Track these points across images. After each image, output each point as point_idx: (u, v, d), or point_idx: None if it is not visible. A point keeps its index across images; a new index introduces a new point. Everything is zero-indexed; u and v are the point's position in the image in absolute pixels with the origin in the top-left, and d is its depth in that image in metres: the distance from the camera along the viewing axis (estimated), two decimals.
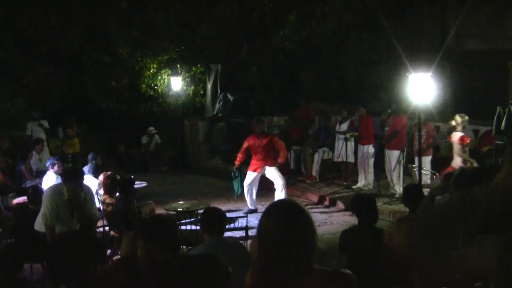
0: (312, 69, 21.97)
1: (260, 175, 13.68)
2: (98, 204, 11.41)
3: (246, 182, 13.81)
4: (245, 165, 14.21)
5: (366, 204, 6.88)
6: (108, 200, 10.77)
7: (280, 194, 13.51)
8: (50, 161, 11.96)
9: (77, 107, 21.70)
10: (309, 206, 14.27)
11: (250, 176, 13.73)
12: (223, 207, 12.93)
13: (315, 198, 15.23)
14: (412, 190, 7.49)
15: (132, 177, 11.59)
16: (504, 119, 13.37)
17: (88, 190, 8.33)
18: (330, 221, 13.00)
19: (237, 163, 14.06)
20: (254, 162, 13.62)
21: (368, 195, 7.93)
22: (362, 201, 6.98)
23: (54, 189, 8.17)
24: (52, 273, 4.44)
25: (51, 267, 4.49)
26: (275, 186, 13.66)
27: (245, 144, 13.71)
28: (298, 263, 2.80)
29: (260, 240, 2.86)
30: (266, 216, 2.95)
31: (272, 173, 13.57)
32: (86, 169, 12.50)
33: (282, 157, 13.61)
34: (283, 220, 2.85)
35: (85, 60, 21.70)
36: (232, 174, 14.59)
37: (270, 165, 13.48)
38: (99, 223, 10.34)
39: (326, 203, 14.82)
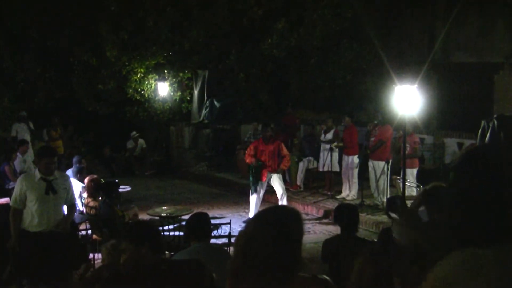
0: (300, 77, 22.00)
1: (266, 183, 13.43)
2: (81, 208, 11.40)
3: (252, 190, 13.48)
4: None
5: (348, 214, 6.90)
6: (91, 203, 10.73)
7: (281, 201, 13.37)
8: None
9: (64, 109, 21.61)
10: None
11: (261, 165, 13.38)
12: (207, 213, 12.90)
13: (299, 207, 15.21)
14: (395, 202, 7.51)
15: (117, 180, 11.55)
16: (488, 133, 13.44)
17: (65, 176, 8.40)
18: (313, 230, 13.01)
19: (251, 161, 13.37)
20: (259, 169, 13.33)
21: (351, 205, 7.94)
22: (344, 211, 7.00)
23: (25, 174, 8.44)
24: (20, 271, 4.47)
25: (20, 265, 4.53)
26: (277, 195, 13.57)
27: (252, 150, 13.39)
28: (282, 271, 2.76)
29: (244, 247, 2.83)
30: (254, 222, 2.91)
31: (276, 181, 13.42)
32: (70, 172, 12.45)
33: (286, 164, 13.56)
34: (275, 226, 2.80)
35: (73, 62, 21.65)
36: (251, 180, 13.63)
37: (274, 172, 13.29)
38: (82, 227, 10.32)
39: (310, 212, 14.83)
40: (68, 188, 8.11)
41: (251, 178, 13.49)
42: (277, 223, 2.82)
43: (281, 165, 13.35)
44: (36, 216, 7.63)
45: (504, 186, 2.16)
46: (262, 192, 13.48)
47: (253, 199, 13.41)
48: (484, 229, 2.15)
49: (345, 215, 6.86)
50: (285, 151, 13.38)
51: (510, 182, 2.18)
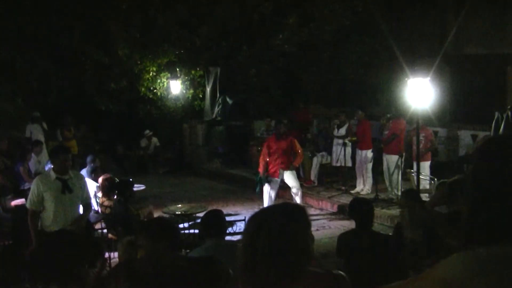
0: (312, 72, 21.97)
1: (279, 180, 13.29)
2: (96, 207, 11.44)
3: (265, 187, 13.35)
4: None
5: (363, 208, 6.88)
6: (106, 203, 10.77)
7: (296, 199, 13.27)
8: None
9: (76, 108, 21.68)
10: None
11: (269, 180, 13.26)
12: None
13: (313, 202, 15.23)
14: (411, 195, 7.51)
15: (131, 179, 11.57)
16: (502, 124, 13.38)
17: (79, 175, 8.46)
18: (328, 226, 13.01)
19: (261, 171, 13.23)
20: (271, 166, 13.15)
21: (365, 200, 7.92)
22: (358, 206, 6.98)
23: (41, 175, 8.49)
24: (36, 272, 4.46)
25: (36, 266, 4.53)
26: (292, 191, 13.49)
27: (265, 148, 13.26)
28: (292, 265, 2.76)
29: (252, 242, 2.83)
30: (258, 218, 2.89)
31: (289, 177, 13.30)
32: (84, 171, 12.48)
33: (299, 160, 13.52)
34: (279, 222, 2.80)
35: (85, 61, 21.70)
36: (257, 178, 13.65)
37: (287, 169, 13.14)
38: (97, 226, 10.35)
39: (324, 207, 14.82)
40: (83, 187, 8.15)
41: (257, 179, 13.46)
42: (280, 218, 2.83)
43: (294, 162, 13.30)
44: (52, 216, 7.67)
45: None
46: (275, 190, 13.39)
47: (266, 198, 13.38)
48: (497, 225, 2.11)
49: (360, 210, 6.84)
50: (298, 147, 13.27)
51: None
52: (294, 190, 13.38)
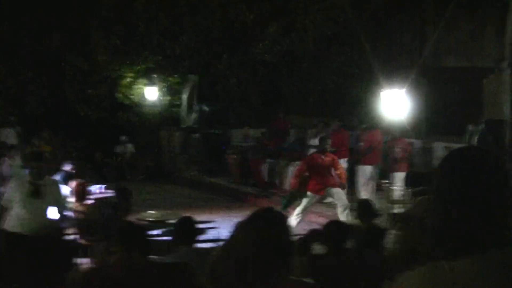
0: (292, 81, 22.04)
1: (321, 197, 12.93)
2: (69, 212, 11.39)
3: (304, 205, 12.69)
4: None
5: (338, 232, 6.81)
6: (79, 208, 10.71)
7: (342, 214, 12.53)
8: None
9: (55, 114, 21.58)
10: None
11: (312, 198, 12.68)
12: (197, 218, 12.87)
13: (289, 210, 15.22)
14: (366, 206, 7.59)
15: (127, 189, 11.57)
16: (477, 137, 13.54)
17: (55, 182, 8.49)
18: (302, 234, 12.99)
19: (297, 186, 12.66)
20: (317, 183, 12.56)
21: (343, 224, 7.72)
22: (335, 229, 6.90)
23: (18, 176, 8.94)
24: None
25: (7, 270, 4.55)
26: (339, 206, 12.76)
27: (305, 165, 12.77)
28: (273, 274, 2.77)
29: (233, 250, 2.83)
30: (244, 226, 2.89)
31: (338, 194, 12.71)
32: (57, 176, 12.48)
33: (344, 178, 13.03)
34: (263, 230, 2.81)
35: (64, 67, 21.63)
36: (289, 196, 13.24)
37: (334, 186, 12.67)
38: (70, 231, 10.30)
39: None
40: (58, 195, 8.15)
41: (285, 200, 12.93)
42: (261, 227, 2.83)
43: (342, 180, 12.86)
44: (16, 218, 7.68)
45: (487, 192, 2.13)
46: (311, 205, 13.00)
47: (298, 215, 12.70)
48: (459, 237, 2.12)
49: (336, 234, 6.79)
50: (339, 165, 12.97)
51: (497, 187, 2.14)
52: (341, 208, 12.61)
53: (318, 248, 7.02)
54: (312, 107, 21.81)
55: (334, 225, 7.10)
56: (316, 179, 12.54)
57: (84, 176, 14.37)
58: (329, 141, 12.88)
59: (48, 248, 7.63)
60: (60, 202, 8.19)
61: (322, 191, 12.62)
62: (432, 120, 18.48)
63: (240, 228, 2.89)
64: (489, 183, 2.13)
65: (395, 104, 10.89)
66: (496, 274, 2.01)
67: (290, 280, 2.89)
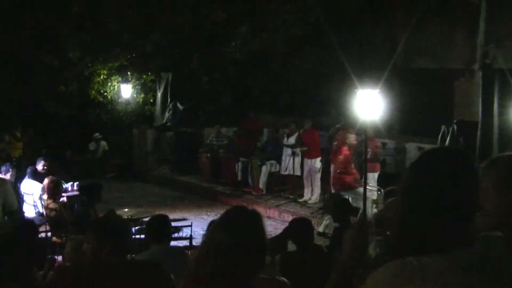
0: (263, 81, 22.04)
1: None
2: (41, 209, 11.28)
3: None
4: None
5: (302, 228, 6.83)
6: (51, 205, 10.61)
7: None
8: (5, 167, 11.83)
9: (24, 111, 21.34)
10: None
11: None
12: (169, 216, 12.85)
13: (261, 211, 15.20)
14: (341, 205, 7.61)
15: (98, 183, 11.50)
16: (448, 138, 13.64)
17: (2, 180, 8.44)
18: (275, 234, 13.01)
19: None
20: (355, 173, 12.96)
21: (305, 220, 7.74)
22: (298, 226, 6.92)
23: None
24: None
25: None
26: None
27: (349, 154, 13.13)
28: (245, 274, 2.77)
29: (208, 249, 2.81)
30: (219, 226, 2.88)
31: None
32: (28, 171, 12.45)
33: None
34: (238, 229, 2.81)
35: (34, 63, 21.39)
36: None
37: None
38: (42, 229, 10.19)
39: (272, 215, 14.86)
40: (5, 193, 8.06)
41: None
42: (236, 226, 2.83)
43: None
44: None
45: (455, 191, 2.14)
46: None
47: None
48: (425, 235, 2.13)
49: (299, 230, 6.81)
50: None
51: (466, 187, 2.15)
52: None
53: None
54: (283, 107, 21.82)
55: (297, 223, 7.14)
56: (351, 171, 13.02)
57: (54, 173, 14.24)
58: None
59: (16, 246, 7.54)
60: (9, 201, 8.10)
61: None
62: (405, 120, 18.61)
63: (214, 228, 2.88)
64: (457, 183, 2.16)
65: (368, 104, 10.88)
66: (463, 271, 2.03)
67: (263, 278, 2.90)
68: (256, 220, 2.91)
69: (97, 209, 10.64)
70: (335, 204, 8.45)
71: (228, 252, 2.73)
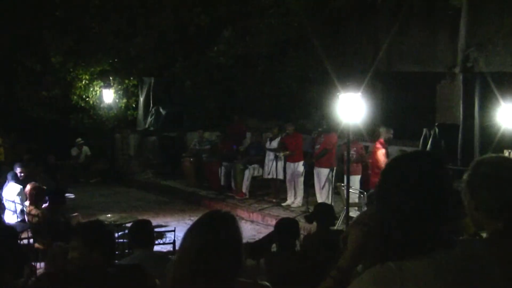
0: (247, 85, 22.05)
1: None
2: (23, 216, 11.23)
3: None
4: None
5: (288, 229, 6.84)
6: (33, 211, 10.55)
7: None
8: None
9: (6, 115, 21.23)
10: None
11: None
12: (152, 221, 12.81)
13: (244, 215, 15.27)
14: (323, 209, 7.64)
15: (62, 187, 11.43)
16: (430, 141, 13.72)
17: None
18: (258, 237, 13.02)
19: None
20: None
21: (292, 220, 7.77)
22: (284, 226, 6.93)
23: None
24: None
25: None
26: None
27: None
28: (223, 276, 2.77)
29: (184, 253, 2.83)
30: (194, 229, 2.89)
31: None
32: (9, 176, 12.43)
33: None
34: (212, 232, 2.81)
35: (16, 68, 21.29)
36: None
37: None
38: (24, 235, 10.14)
39: (255, 219, 14.87)
40: None
41: None
42: (211, 230, 2.83)
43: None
44: None
45: (432, 196, 2.16)
46: None
47: None
48: (404, 239, 2.14)
49: (287, 228, 6.82)
50: None
51: (442, 191, 2.16)
52: None
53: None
54: (267, 111, 21.84)
55: (285, 220, 7.15)
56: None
57: (37, 179, 14.18)
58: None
59: None
60: None
61: None
62: (387, 124, 18.65)
63: (188, 231, 2.89)
64: (426, 187, 2.18)
65: (350, 107, 10.93)
66: (442, 273, 2.05)
67: (244, 282, 2.91)
68: (229, 222, 2.90)
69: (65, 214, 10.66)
70: (316, 207, 8.41)
71: (201, 254, 2.73)
